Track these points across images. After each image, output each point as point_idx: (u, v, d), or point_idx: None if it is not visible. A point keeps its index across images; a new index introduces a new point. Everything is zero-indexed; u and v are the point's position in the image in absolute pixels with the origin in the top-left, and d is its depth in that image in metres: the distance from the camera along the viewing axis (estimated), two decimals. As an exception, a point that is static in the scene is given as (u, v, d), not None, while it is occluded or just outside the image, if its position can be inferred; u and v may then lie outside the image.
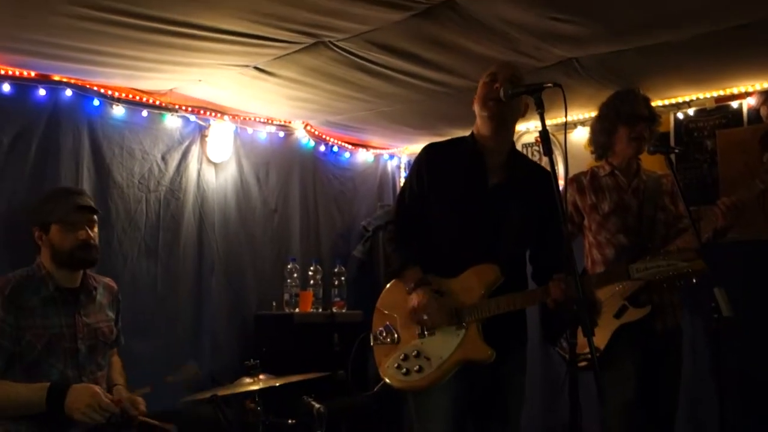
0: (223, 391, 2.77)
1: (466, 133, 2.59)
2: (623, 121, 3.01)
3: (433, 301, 2.33)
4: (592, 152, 3.22)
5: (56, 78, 3.56)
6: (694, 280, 2.39)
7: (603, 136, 3.10)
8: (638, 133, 3.00)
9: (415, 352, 2.34)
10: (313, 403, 2.92)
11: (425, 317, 2.34)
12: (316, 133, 4.84)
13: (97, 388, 2.35)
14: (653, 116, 3.08)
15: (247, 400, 2.95)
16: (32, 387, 2.29)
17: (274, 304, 4.35)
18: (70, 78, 3.60)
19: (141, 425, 2.44)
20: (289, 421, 2.99)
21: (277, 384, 2.81)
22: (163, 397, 2.68)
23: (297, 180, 4.73)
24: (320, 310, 4.36)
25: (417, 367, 2.32)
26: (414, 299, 2.35)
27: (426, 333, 2.36)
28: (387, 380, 2.37)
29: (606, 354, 2.87)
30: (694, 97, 3.92)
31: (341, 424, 3.25)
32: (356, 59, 3.30)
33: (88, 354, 2.50)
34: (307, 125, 4.73)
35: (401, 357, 2.35)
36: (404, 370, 2.33)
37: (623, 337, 2.90)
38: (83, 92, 3.66)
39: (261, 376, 2.86)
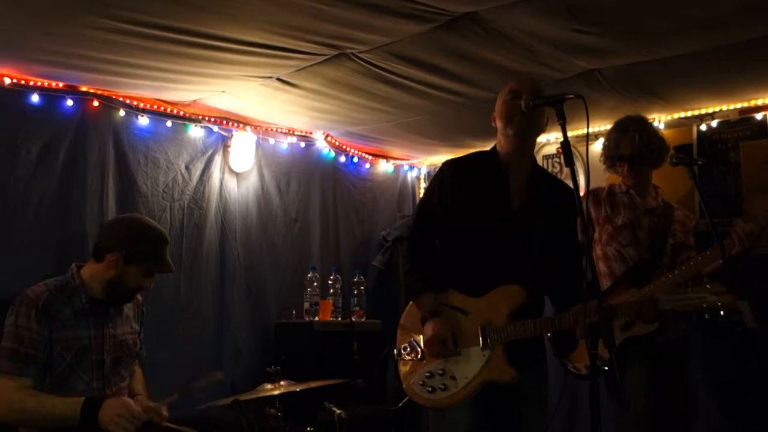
0: (244, 397, 2.79)
1: (487, 145, 2.59)
2: (609, 161, 3.21)
3: (446, 331, 2.32)
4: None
5: (83, 89, 3.63)
6: (722, 312, 2.33)
7: (608, 167, 3.29)
8: (622, 172, 3.17)
9: (441, 370, 2.35)
10: (334, 409, 2.93)
11: (438, 348, 2.33)
12: (337, 143, 4.87)
13: (127, 399, 2.39)
14: (640, 152, 3.09)
15: (268, 405, 2.97)
16: (67, 401, 2.31)
17: (294, 312, 4.37)
18: (97, 89, 3.67)
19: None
20: (308, 429, 3.00)
21: (298, 389, 2.83)
22: (185, 403, 2.70)
23: (317, 190, 4.77)
24: (339, 318, 4.37)
25: (442, 385, 2.33)
26: (428, 330, 2.34)
27: None
28: (412, 397, 2.37)
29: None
30: (717, 109, 3.89)
31: (360, 432, 3.25)
32: (378, 71, 3.33)
33: (112, 366, 2.53)
34: (327, 136, 4.77)
35: (426, 374, 2.36)
36: (429, 387, 2.34)
37: (630, 350, 2.92)
38: (109, 103, 3.74)
39: (282, 383, 2.88)
